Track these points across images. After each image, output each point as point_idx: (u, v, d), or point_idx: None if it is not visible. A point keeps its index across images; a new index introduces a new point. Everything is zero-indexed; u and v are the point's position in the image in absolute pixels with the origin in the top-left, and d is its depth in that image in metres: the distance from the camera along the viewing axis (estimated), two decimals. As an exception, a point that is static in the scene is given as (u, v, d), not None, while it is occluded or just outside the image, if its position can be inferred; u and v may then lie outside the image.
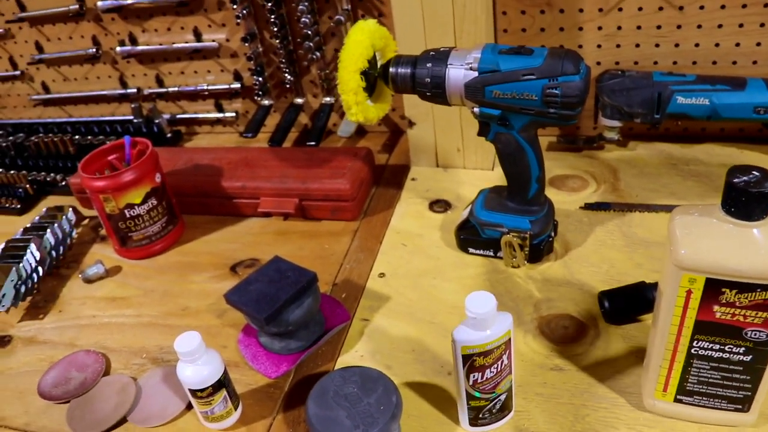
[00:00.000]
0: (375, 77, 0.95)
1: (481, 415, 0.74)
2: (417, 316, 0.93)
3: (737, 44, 1.11)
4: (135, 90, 1.57)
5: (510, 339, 0.69)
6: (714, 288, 0.62)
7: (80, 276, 1.14)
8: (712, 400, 0.70)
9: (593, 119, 1.19)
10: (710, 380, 0.69)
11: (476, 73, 0.87)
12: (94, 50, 1.53)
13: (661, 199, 1.07)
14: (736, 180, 0.58)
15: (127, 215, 1.12)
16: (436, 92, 0.91)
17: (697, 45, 1.13)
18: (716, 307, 0.63)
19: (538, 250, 0.97)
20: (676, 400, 0.72)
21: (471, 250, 1.02)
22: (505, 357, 0.69)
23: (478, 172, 1.21)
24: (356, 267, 1.05)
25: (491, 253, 1.00)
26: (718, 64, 1.14)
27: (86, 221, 1.32)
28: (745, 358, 0.66)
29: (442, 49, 0.91)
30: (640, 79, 1.11)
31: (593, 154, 1.22)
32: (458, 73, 0.88)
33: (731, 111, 1.08)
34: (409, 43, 1.09)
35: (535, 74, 0.84)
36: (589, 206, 1.08)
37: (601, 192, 1.11)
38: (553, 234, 0.99)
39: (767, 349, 0.64)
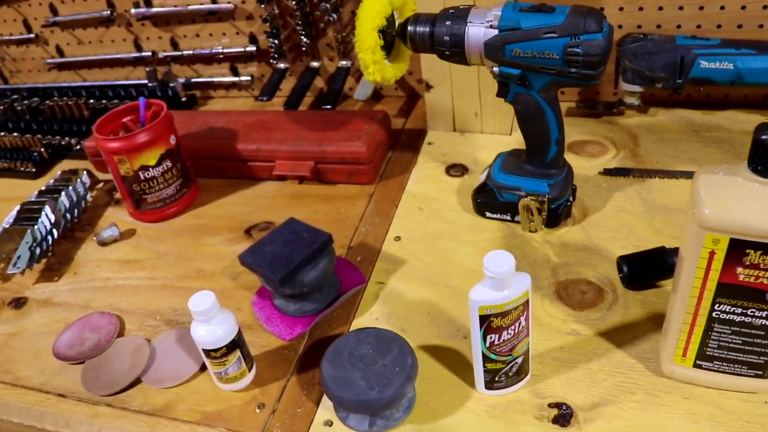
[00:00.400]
0: (393, 36, 0.94)
1: (497, 378, 0.73)
2: (432, 280, 0.93)
3: (764, 7, 1.07)
4: (150, 53, 1.56)
5: (528, 300, 0.68)
6: (738, 249, 0.60)
7: (95, 239, 1.14)
8: (732, 365, 0.69)
9: (613, 84, 1.17)
10: (731, 345, 0.67)
11: (496, 31, 0.85)
12: (109, 12, 1.51)
13: (682, 165, 1.05)
14: (764, 137, 0.57)
15: (142, 177, 1.11)
16: (455, 51, 0.89)
17: (722, 8, 1.10)
18: (739, 269, 0.62)
19: (556, 215, 0.95)
20: (696, 366, 0.71)
21: (488, 214, 1.01)
22: (522, 318, 0.68)
23: (495, 137, 1.20)
24: (372, 230, 1.04)
25: (508, 217, 0.99)
26: (743, 27, 1.10)
27: (101, 185, 1.31)
28: (767, 323, 0.64)
29: (461, 7, 0.89)
30: (663, 42, 1.08)
31: (613, 120, 1.19)
32: (478, 32, 0.86)
33: (756, 76, 1.05)
34: (427, 1, 1.06)
35: (556, 32, 0.82)
36: (608, 171, 1.06)
37: (620, 158, 1.09)
38: (571, 199, 0.97)
39: (791, 313, 0.63)
